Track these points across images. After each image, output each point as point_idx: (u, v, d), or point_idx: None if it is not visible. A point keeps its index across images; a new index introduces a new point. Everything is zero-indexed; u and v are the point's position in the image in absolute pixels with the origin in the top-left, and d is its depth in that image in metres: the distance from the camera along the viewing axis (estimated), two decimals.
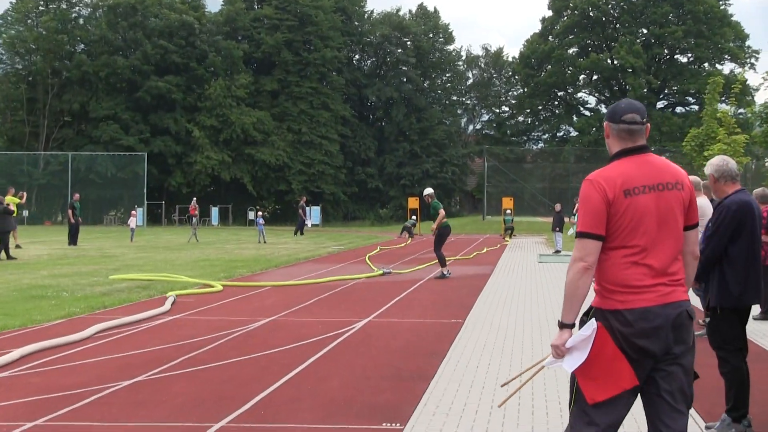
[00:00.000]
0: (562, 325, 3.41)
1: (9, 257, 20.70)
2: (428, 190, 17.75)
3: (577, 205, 32.01)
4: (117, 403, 6.02)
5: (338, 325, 9.90)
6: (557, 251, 25.30)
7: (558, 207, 27.40)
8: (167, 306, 11.38)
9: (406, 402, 6.07)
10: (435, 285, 15.32)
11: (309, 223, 51.76)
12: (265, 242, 30.67)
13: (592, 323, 3.37)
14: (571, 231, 30.54)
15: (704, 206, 8.96)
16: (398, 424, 5.45)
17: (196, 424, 5.45)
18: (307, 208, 48.82)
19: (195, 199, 43.00)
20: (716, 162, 5.63)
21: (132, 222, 33.13)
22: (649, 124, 3.48)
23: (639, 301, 3.31)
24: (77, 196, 28.65)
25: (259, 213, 35.09)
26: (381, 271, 17.39)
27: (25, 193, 28.40)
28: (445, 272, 16.74)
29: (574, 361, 3.38)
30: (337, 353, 8.12)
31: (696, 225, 3.48)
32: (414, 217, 39.79)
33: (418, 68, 73.80)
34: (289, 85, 66.61)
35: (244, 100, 63.92)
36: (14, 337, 9.01)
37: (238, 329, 9.62)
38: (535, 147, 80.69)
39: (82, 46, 63.88)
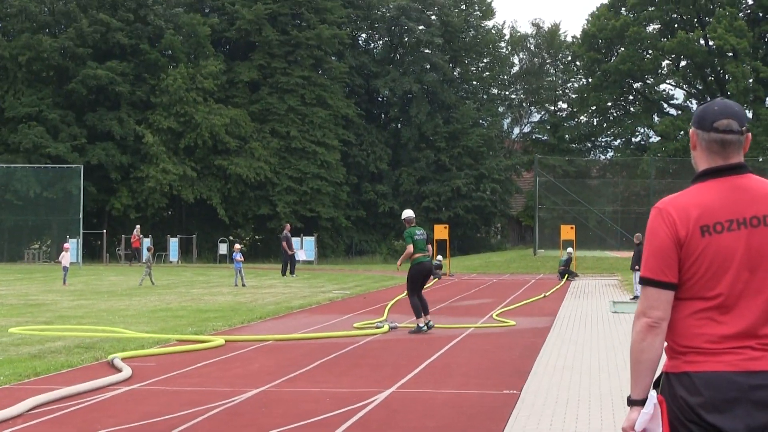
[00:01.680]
0: (631, 402, 3.51)
1: None
2: (407, 213, 18.09)
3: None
4: None
5: (352, 399, 9.93)
6: (636, 297, 25.31)
7: (638, 238, 27.50)
8: (126, 373, 11.43)
9: None
10: (478, 343, 15.37)
11: (301, 255, 51.70)
12: (243, 285, 30.72)
13: (653, 396, 3.43)
14: None
15: None
16: None
17: None
18: (296, 240, 48.87)
19: (139, 227, 42.64)
20: None
21: (65, 258, 33.19)
22: (749, 135, 3.54)
23: (712, 363, 3.37)
24: None
25: (236, 246, 34.86)
26: (386, 327, 17.35)
27: None
28: (421, 324, 16.81)
29: None
30: None
31: None
32: (440, 257, 39.60)
33: (447, 51, 74.13)
34: (273, 74, 66.97)
35: (213, 95, 64.22)
36: None
37: (217, 404, 9.66)
38: (603, 157, 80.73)
39: None
